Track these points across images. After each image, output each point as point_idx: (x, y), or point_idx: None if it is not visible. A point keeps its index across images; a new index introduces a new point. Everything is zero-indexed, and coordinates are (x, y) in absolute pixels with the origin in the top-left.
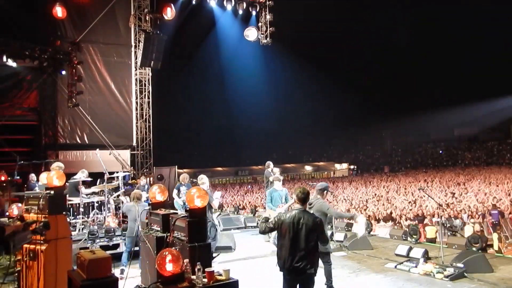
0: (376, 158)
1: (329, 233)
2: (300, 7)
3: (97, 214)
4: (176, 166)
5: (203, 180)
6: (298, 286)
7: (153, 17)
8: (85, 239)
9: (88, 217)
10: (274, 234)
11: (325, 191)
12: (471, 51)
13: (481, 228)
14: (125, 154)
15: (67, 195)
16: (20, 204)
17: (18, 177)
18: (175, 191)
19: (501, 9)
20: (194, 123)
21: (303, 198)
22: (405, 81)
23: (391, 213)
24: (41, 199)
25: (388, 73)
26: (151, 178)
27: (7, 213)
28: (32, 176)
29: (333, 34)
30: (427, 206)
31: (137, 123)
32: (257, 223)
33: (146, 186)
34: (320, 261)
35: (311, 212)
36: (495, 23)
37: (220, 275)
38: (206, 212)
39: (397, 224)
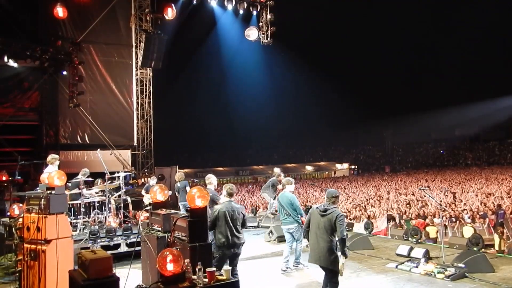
0: (377, 158)
1: None
2: (301, 7)
3: (98, 214)
4: (177, 166)
5: (211, 179)
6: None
7: (154, 17)
8: (86, 239)
9: (89, 217)
10: (299, 251)
11: (338, 199)
12: (472, 50)
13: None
14: (126, 154)
15: (72, 194)
16: (21, 204)
17: (19, 177)
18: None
19: (501, 9)
20: (195, 123)
21: (232, 193)
22: (406, 81)
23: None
24: (42, 199)
25: (389, 73)
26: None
27: (8, 213)
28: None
29: (334, 34)
30: (431, 205)
31: (138, 123)
32: (258, 223)
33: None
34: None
35: (327, 217)
36: (496, 23)
37: (221, 275)
38: (206, 212)
39: (398, 224)
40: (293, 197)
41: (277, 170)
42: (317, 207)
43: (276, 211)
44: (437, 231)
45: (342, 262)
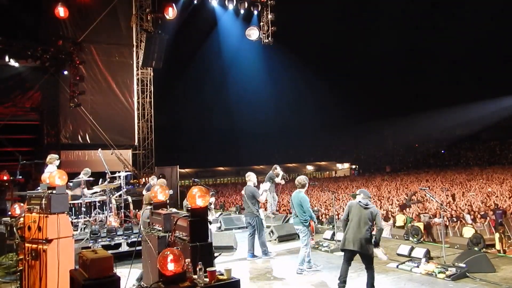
0: (377, 157)
1: (330, 232)
2: (302, 6)
3: (99, 213)
4: (178, 166)
5: (250, 177)
6: None
7: (155, 17)
8: (87, 239)
9: (90, 217)
10: (302, 257)
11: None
12: (473, 50)
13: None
14: (127, 154)
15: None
16: (22, 204)
17: (21, 177)
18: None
19: (501, 9)
20: (195, 123)
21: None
22: (406, 80)
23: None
24: (43, 199)
25: (390, 72)
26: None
27: (10, 213)
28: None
29: (334, 33)
30: (435, 205)
31: (138, 122)
32: None
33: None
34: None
35: (369, 210)
36: (496, 22)
37: (222, 274)
38: (207, 211)
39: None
40: (304, 198)
41: (275, 165)
42: (358, 202)
43: (277, 210)
44: (424, 227)
45: (380, 249)
